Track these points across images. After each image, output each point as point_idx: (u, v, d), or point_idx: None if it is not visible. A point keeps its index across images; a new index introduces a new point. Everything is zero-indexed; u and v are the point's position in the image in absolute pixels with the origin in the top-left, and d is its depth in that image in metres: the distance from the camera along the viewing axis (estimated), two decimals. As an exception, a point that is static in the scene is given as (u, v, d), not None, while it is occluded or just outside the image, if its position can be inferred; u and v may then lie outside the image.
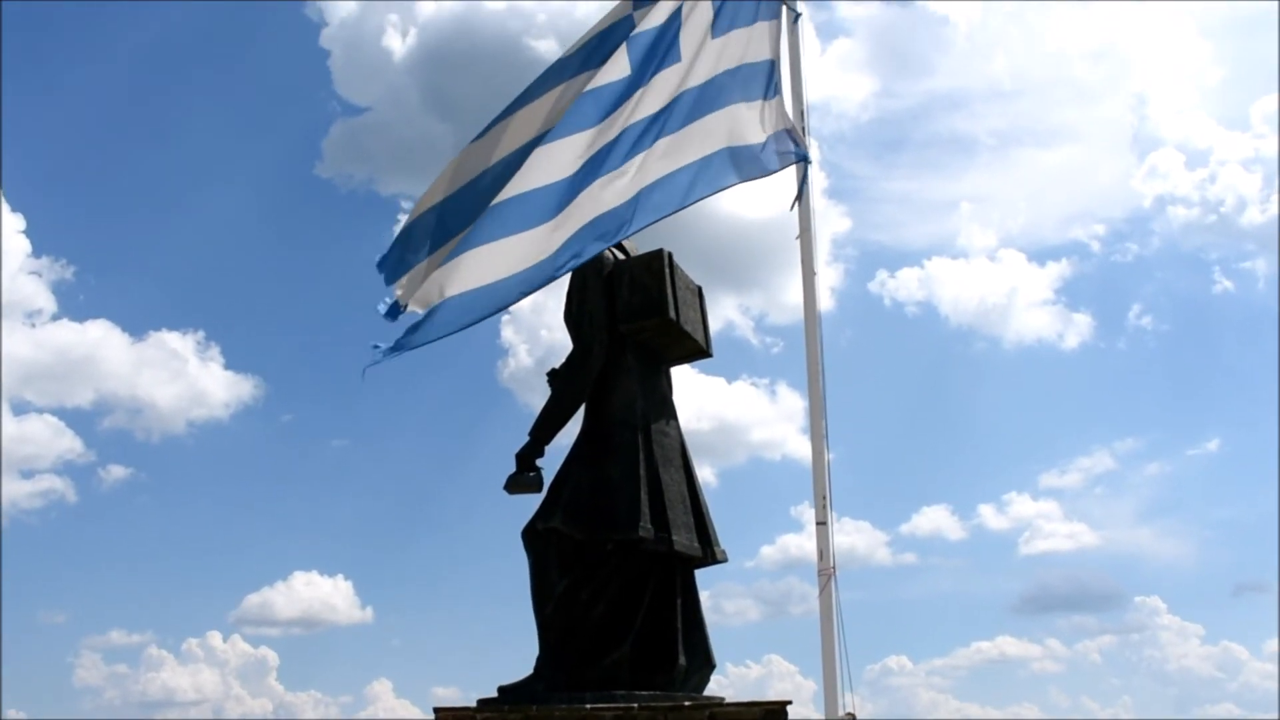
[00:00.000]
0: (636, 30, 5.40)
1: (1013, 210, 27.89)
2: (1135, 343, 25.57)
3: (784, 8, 5.53)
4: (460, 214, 5.57)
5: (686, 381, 6.17)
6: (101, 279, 24.50)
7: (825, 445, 4.98)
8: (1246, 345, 25.23)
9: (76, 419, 23.75)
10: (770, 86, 5.42)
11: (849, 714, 4.73)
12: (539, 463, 5.57)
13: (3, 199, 20.70)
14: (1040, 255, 27.86)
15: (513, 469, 5.55)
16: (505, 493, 5.57)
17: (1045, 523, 23.35)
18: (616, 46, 5.36)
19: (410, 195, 25.99)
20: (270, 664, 20.55)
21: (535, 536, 5.42)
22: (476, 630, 21.57)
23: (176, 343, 23.75)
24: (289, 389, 24.91)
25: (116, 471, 22.43)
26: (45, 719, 19.46)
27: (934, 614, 23.63)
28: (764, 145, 5.19)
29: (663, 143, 5.08)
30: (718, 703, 5.33)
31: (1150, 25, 27.30)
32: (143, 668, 20.31)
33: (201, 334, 23.67)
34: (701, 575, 5.75)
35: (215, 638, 20.70)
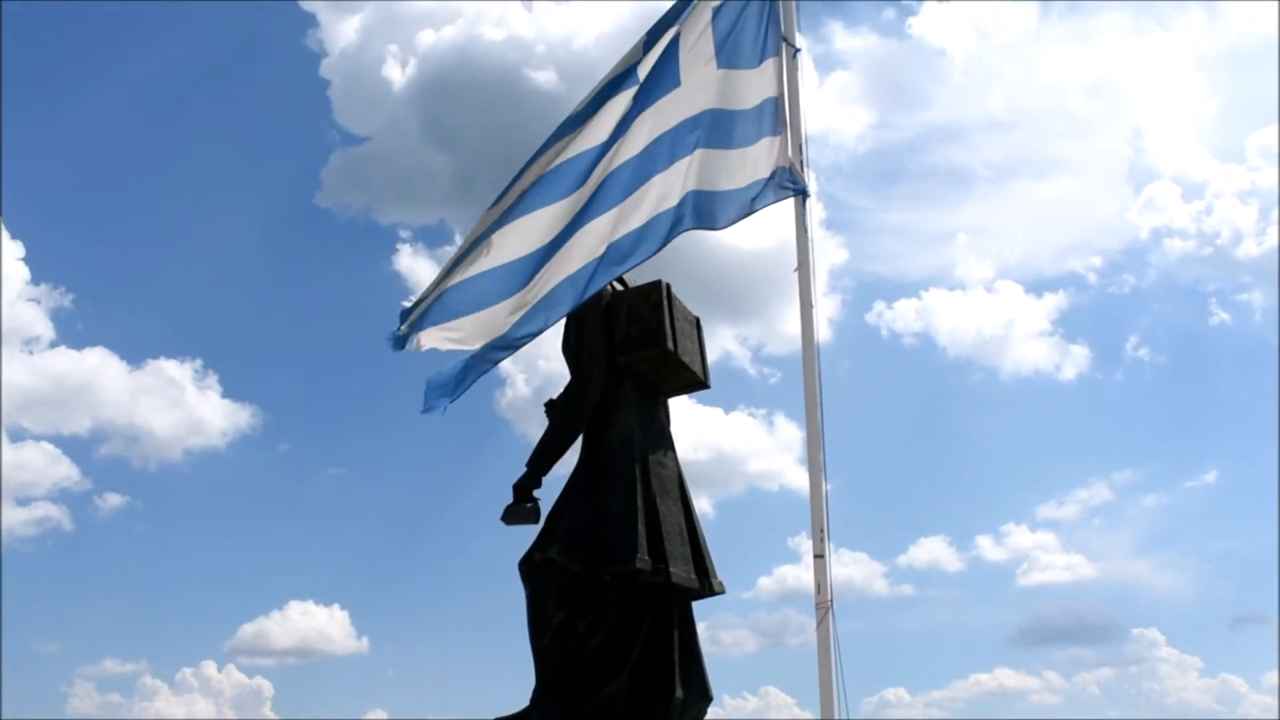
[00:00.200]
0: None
1: (1010, 242, 28.07)
2: (1132, 374, 25.69)
3: (784, 44, 5.59)
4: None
5: (684, 412, 6.19)
6: (100, 307, 24.61)
7: (823, 479, 4.99)
8: (1243, 377, 25.34)
9: (73, 447, 23.74)
10: (774, 123, 5.48)
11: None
12: (536, 493, 5.57)
13: (2, 226, 20.76)
14: (1037, 287, 28.02)
15: (510, 499, 5.55)
16: (502, 523, 5.56)
17: (1043, 554, 23.37)
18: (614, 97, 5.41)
19: (409, 225, 26.15)
20: (265, 694, 20.48)
21: (532, 567, 5.41)
22: (473, 661, 21.50)
23: (174, 371, 23.81)
24: (286, 418, 24.95)
25: (113, 500, 22.42)
26: (38, 748, 19.33)
27: (932, 646, 23.56)
28: (764, 181, 5.25)
29: (660, 179, 5.13)
30: (714, 736, 5.30)
31: (1146, 59, 27.61)
32: (137, 697, 20.23)
33: (199, 362, 23.75)
34: (698, 606, 5.74)
35: (210, 667, 20.62)
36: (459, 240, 5.70)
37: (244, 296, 27.14)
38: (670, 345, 5.58)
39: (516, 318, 5.06)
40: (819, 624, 4.77)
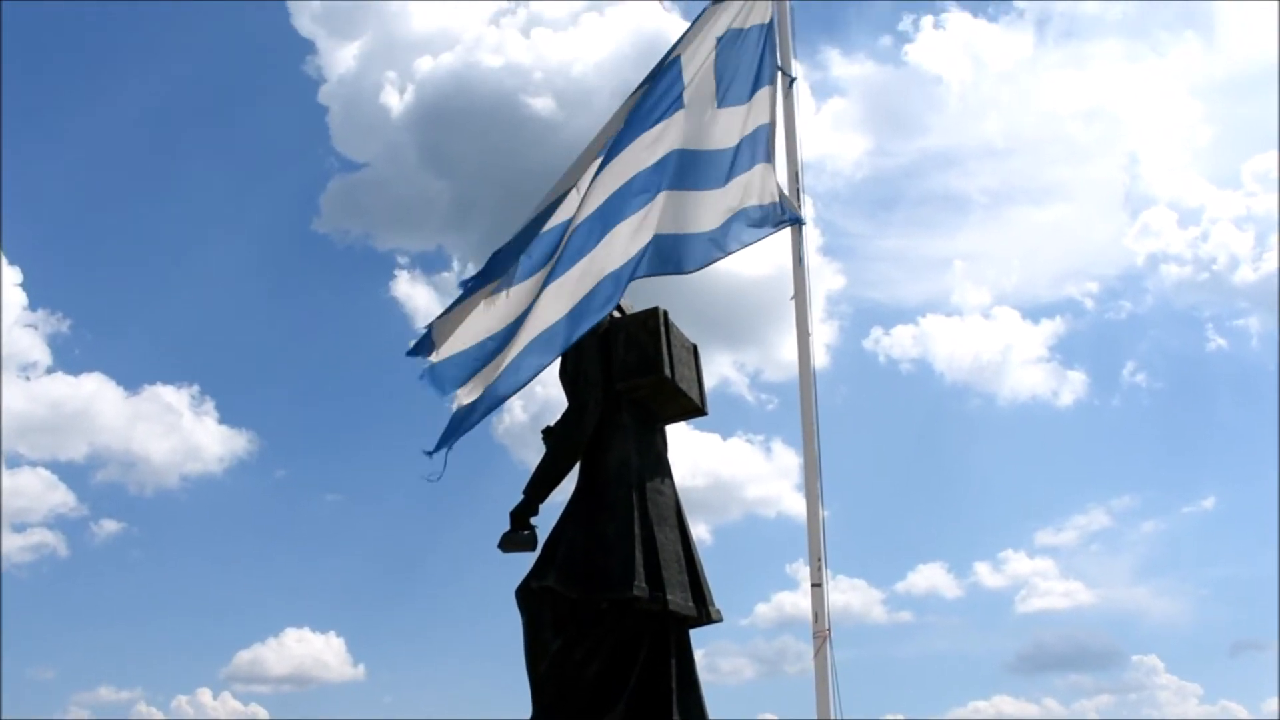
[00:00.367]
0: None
1: (1006, 268, 28.14)
2: (1130, 400, 25.70)
3: (779, 73, 5.63)
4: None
5: (681, 438, 6.20)
6: (97, 332, 24.64)
7: (820, 507, 4.99)
8: (1240, 403, 25.38)
9: (69, 472, 23.76)
10: (765, 150, 5.51)
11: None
12: (533, 521, 5.56)
13: (1, 252, 20.81)
14: (1034, 313, 28.11)
15: (507, 526, 5.54)
16: (499, 550, 5.55)
17: (1041, 581, 23.30)
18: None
19: (407, 250, 26.21)
20: (261, 721, 20.31)
21: (529, 595, 5.39)
22: (469, 688, 21.36)
23: (171, 397, 23.80)
24: (283, 444, 24.92)
25: (109, 526, 22.38)
26: (31, 776, 19.18)
27: (930, 673, 23.45)
28: (758, 209, 5.27)
29: (659, 208, 5.15)
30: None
31: (1142, 86, 27.79)
32: (132, 724, 20.06)
33: (196, 388, 23.74)
34: (696, 634, 5.72)
35: (205, 695, 20.49)
36: (456, 266, 5.76)
37: (241, 322, 27.21)
38: (668, 372, 5.59)
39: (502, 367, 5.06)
40: (816, 653, 4.77)
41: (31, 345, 23.19)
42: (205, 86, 27.85)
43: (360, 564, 23.80)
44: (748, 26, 5.71)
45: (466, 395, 4.99)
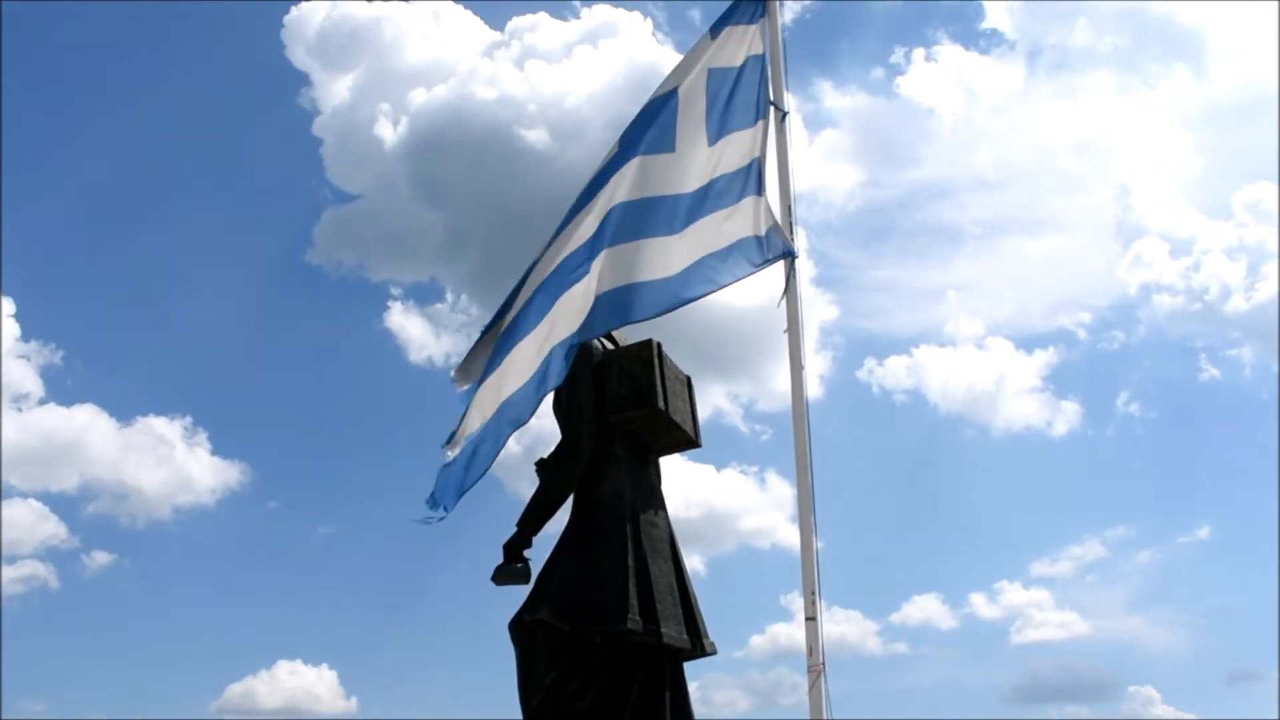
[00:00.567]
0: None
1: (999, 298, 28.24)
2: (1124, 430, 25.73)
3: (771, 107, 5.68)
4: None
5: (675, 469, 6.20)
6: (90, 364, 24.60)
7: (814, 540, 4.99)
8: (1235, 432, 25.44)
9: (61, 504, 23.63)
10: (757, 184, 5.54)
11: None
12: (527, 553, 5.54)
13: (-1, 283, 20.83)
14: (1027, 343, 28.21)
15: (500, 559, 5.53)
16: (492, 583, 5.54)
17: (1037, 612, 23.22)
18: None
19: (400, 282, 26.27)
20: (252, 754, 20.13)
21: (522, 628, 5.38)
22: (462, 721, 21.18)
23: (164, 428, 23.72)
24: (276, 476, 24.82)
25: (100, 558, 22.23)
26: (19, 811, 18.96)
27: (926, 704, 23.25)
28: (751, 241, 5.30)
29: (651, 243, 5.19)
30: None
31: (1132, 118, 28.00)
32: (122, 758, 19.88)
33: (189, 419, 23.65)
34: (690, 666, 5.70)
35: (196, 728, 20.29)
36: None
37: (234, 353, 27.15)
38: (661, 404, 5.59)
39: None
40: (811, 687, 4.75)
41: (24, 376, 23.16)
42: (200, 118, 27.93)
43: (353, 596, 23.68)
44: (739, 62, 5.77)
45: (450, 450, 5.05)
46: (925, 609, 23.19)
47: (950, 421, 26.19)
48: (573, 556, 5.44)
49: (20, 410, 22.77)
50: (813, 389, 5.35)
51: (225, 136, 28.01)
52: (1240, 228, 26.11)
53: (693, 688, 5.69)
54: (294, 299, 27.74)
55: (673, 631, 5.37)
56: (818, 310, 23.59)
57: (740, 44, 5.80)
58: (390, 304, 27.49)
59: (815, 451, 5.18)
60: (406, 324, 26.03)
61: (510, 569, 5.50)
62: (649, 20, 28.45)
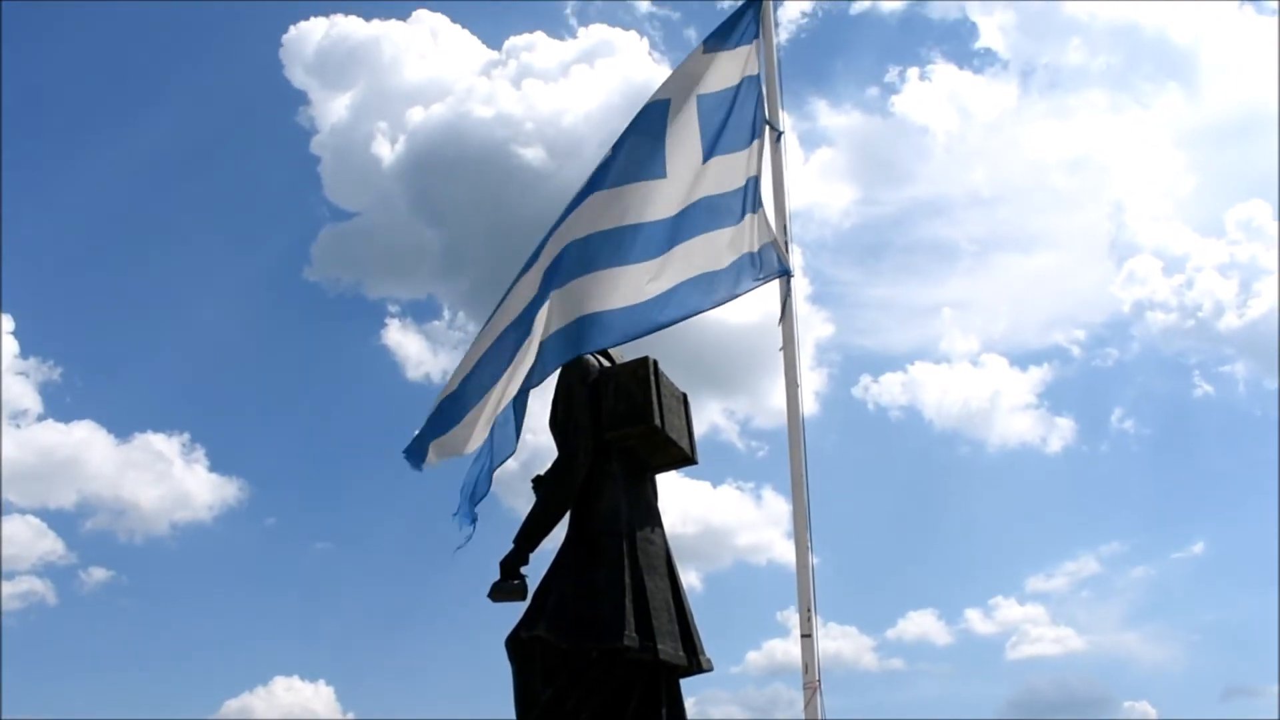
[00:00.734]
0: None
1: (994, 315, 28.36)
2: (1118, 446, 25.81)
3: (766, 127, 5.72)
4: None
5: (672, 485, 6.22)
6: (89, 380, 24.64)
7: (810, 557, 5.01)
8: (1228, 448, 25.52)
9: (58, 520, 23.62)
10: (753, 201, 5.58)
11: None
12: (523, 570, 5.55)
13: (-2, 301, 20.86)
14: (1022, 360, 28.27)
15: (496, 576, 5.54)
16: (489, 600, 5.54)
17: (1032, 627, 23.26)
18: None
19: (398, 299, 26.31)
20: (250, 770, 20.05)
21: (519, 645, 5.38)
22: (458, 738, 21.10)
23: (162, 444, 23.78)
24: (273, 492, 24.85)
25: (98, 573, 22.22)
26: (12, 829, 18.85)
27: (922, 720, 23.27)
28: (747, 259, 5.33)
29: (647, 265, 5.23)
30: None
31: (1126, 136, 28.18)
32: (120, 773, 19.79)
33: (187, 436, 23.69)
34: (687, 682, 5.70)
35: (193, 744, 20.21)
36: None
37: (232, 370, 27.22)
38: (657, 422, 5.61)
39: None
40: (807, 704, 4.76)
41: (23, 393, 23.21)
42: (199, 136, 28.07)
43: (350, 612, 23.65)
44: (734, 83, 5.81)
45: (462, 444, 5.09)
46: (921, 625, 23.22)
47: (945, 438, 26.28)
48: (569, 573, 5.45)
49: (19, 427, 22.83)
50: (808, 406, 5.39)
51: (224, 154, 28.17)
52: (1233, 245, 26.31)
53: (689, 704, 5.69)
54: (292, 316, 27.85)
55: (669, 648, 5.38)
56: (813, 327, 23.70)
57: (734, 67, 5.84)
58: (388, 321, 27.61)
59: (811, 468, 5.20)
60: (404, 341, 26.12)
61: (507, 586, 5.50)
62: (645, 40, 28.60)
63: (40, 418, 23.51)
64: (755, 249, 5.47)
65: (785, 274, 5.45)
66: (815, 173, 26.51)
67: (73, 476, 23.15)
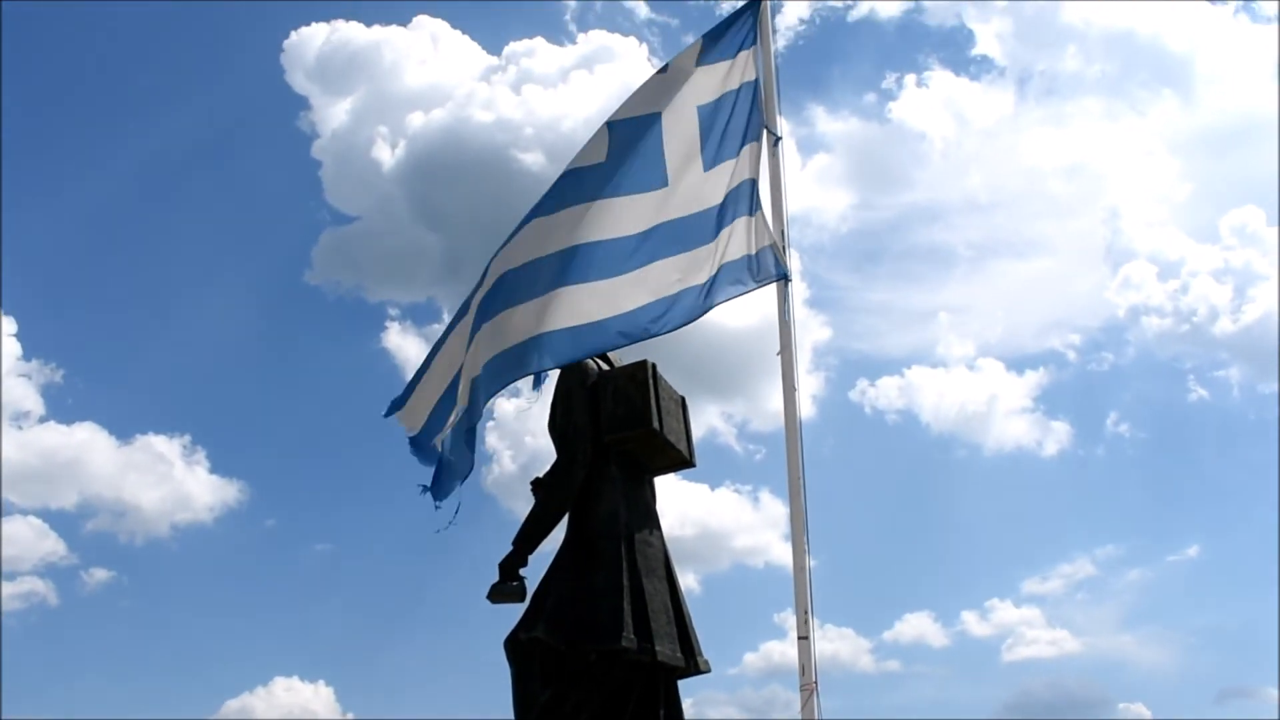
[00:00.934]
0: (616, 118, 5.59)
1: (990, 320, 28.44)
2: (1113, 450, 25.86)
3: (764, 132, 5.74)
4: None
5: (670, 488, 6.25)
6: (90, 382, 24.69)
7: (807, 560, 5.04)
8: (1223, 452, 25.58)
9: (60, 521, 23.67)
10: (751, 203, 5.60)
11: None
12: (522, 572, 5.58)
13: (-1, 303, 20.90)
14: (1018, 364, 28.26)
15: (495, 577, 5.56)
16: (488, 602, 5.57)
17: (1028, 629, 23.28)
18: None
19: (398, 303, 26.36)
20: (250, 771, 20.06)
21: (517, 646, 5.40)
22: (457, 739, 21.10)
23: (163, 446, 23.81)
24: (274, 494, 24.89)
25: (99, 574, 22.26)
26: (13, 830, 18.85)
27: (919, 722, 23.29)
28: (744, 261, 5.35)
29: (646, 270, 5.25)
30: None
31: (1121, 143, 28.24)
32: (120, 773, 19.80)
33: (188, 438, 23.71)
34: (684, 684, 5.73)
35: (194, 744, 20.22)
36: (447, 318, 5.87)
37: (233, 373, 27.26)
38: (656, 425, 5.63)
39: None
40: (804, 707, 4.79)
41: (25, 395, 23.26)
42: (200, 140, 28.14)
43: (349, 613, 23.67)
44: (734, 87, 5.83)
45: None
46: (917, 627, 23.25)
47: (942, 441, 26.32)
48: (568, 575, 5.47)
49: (20, 428, 22.88)
50: (806, 409, 5.43)
51: (225, 158, 28.24)
52: (1227, 251, 26.36)
53: (687, 705, 5.72)
54: (292, 319, 27.91)
55: (667, 650, 5.40)
56: (810, 332, 23.75)
57: (731, 74, 5.86)
58: (388, 324, 27.67)
59: (808, 471, 5.23)
60: (404, 344, 26.12)
61: (506, 587, 5.53)
62: (644, 46, 28.63)
63: (42, 419, 23.60)
64: (753, 251, 5.49)
65: (783, 278, 5.47)
66: (813, 178, 26.61)
67: (74, 478, 23.24)
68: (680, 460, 6.00)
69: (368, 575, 24.60)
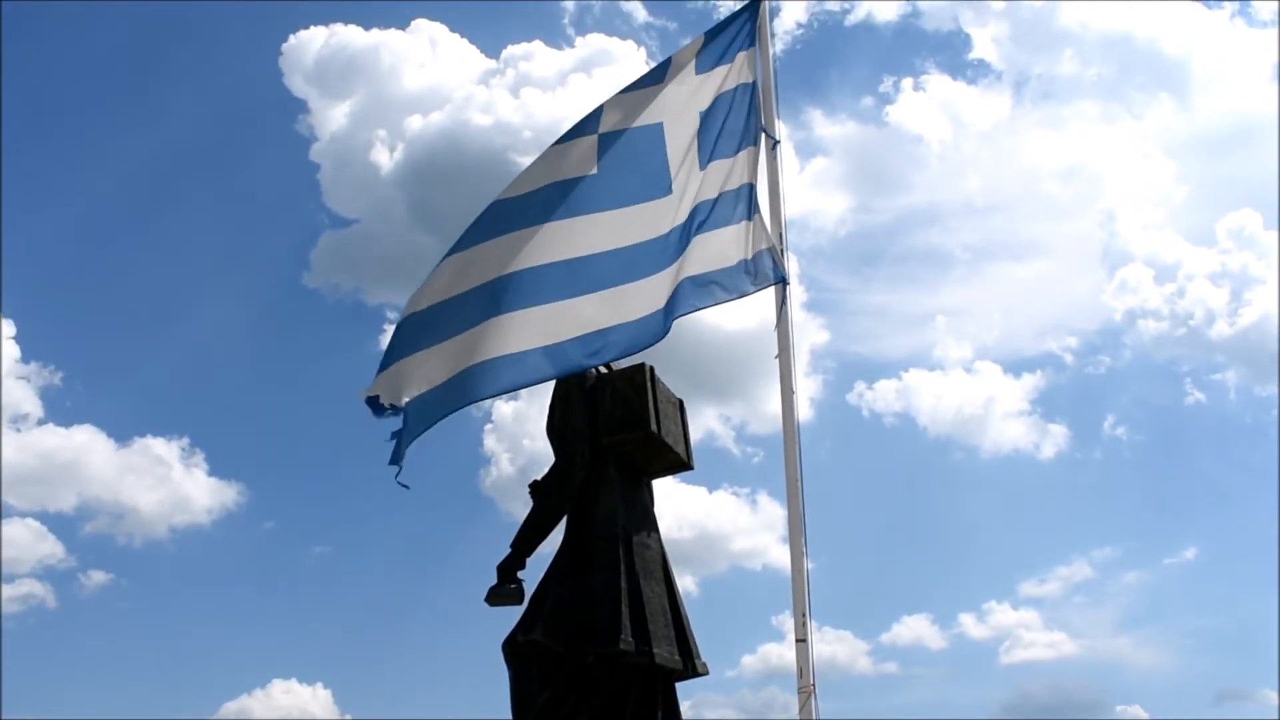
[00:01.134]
0: (604, 130, 5.56)
1: (987, 323, 28.46)
2: (1111, 453, 25.88)
3: (762, 135, 5.75)
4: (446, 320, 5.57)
5: (668, 491, 6.26)
6: (89, 385, 24.71)
7: (805, 562, 5.04)
8: (1220, 455, 25.61)
9: (58, 523, 23.64)
10: (750, 207, 5.61)
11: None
12: (520, 574, 5.59)
13: (-1, 305, 20.91)
14: (1015, 367, 28.31)
15: (494, 580, 5.57)
16: (486, 604, 5.58)
17: (1026, 632, 23.30)
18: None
19: (396, 306, 26.31)
20: (247, 773, 20.06)
21: (516, 649, 5.41)
22: (456, 742, 21.11)
23: (161, 449, 23.81)
24: (272, 496, 24.88)
25: (97, 577, 22.26)
26: (10, 832, 18.85)
27: (916, 725, 23.30)
28: (742, 265, 5.36)
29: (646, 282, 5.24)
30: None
31: (1118, 146, 28.28)
32: (118, 775, 19.80)
33: (186, 440, 23.72)
34: (682, 686, 5.74)
35: (192, 747, 20.22)
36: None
37: (231, 375, 27.28)
38: (654, 428, 5.65)
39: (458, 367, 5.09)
40: (801, 709, 4.79)
41: (24, 397, 23.28)
42: (199, 143, 28.14)
43: (347, 616, 23.69)
44: (730, 88, 5.84)
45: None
46: (915, 629, 23.26)
47: (939, 444, 26.34)
48: (566, 578, 5.48)
49: (19, 431, 22.89)
50: (804, 412, 5.44)
51: (224, 161, 28.24)
52: (1224, 254, 26.39)
53: (685, 707, 5.73)
54: (291, 322, 27.94)
55: (665, 652, 5.41)
56: (808, 335, 23.77)
57: (730, 76, 5.86)
58: (386, 327, 27.50)
59: (806, 473, 5.24)
60: (402, 346, 26.02)
61: (504, 590, 5.54)
62: (643, 49, 28.60)
63: (41, 422, 23.61)
64: (747, 255, 5.50)
65: (781, 281, 5.48)
66: (810, 181, 26.63)
67: (73, 480, 23.25)
68: (678, 463, 6.01)
69: (366, 578, 24.65)
